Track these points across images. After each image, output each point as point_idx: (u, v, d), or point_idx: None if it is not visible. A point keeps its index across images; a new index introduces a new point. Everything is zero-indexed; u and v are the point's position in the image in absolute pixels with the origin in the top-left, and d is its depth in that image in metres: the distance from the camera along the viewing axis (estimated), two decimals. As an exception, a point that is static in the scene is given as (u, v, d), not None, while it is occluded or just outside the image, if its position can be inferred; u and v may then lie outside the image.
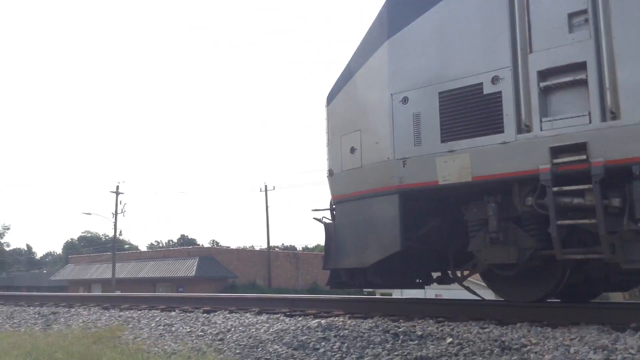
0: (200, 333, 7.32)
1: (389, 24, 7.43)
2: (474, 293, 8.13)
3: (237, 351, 6.22)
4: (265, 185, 52.74)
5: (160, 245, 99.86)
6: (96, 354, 6.35)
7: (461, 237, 7.11)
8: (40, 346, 6.87)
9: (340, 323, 6.70)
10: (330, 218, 8.22)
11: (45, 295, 14.46)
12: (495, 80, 6.42)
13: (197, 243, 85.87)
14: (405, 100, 7.14)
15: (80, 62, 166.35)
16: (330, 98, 8.34)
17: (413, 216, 7.23)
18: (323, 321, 6.85)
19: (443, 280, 8.18)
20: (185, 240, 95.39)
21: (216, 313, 8.44)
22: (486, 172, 6.39)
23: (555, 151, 5.90)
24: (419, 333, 5.93)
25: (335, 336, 6.16)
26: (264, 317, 7.72)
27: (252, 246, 67.06)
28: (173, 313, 8.95)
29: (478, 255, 6.80)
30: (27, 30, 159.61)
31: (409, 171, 6.97)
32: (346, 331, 6.25)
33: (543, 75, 6.13)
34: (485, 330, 5.88)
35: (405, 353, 5.37)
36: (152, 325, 8.24)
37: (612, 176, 5.63)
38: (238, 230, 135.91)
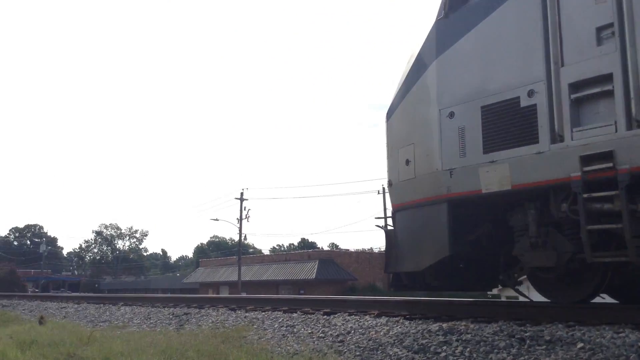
0: (320, 335, 7.43)
1: (437, 44, 8.00)
2: (524, 295, 8.31)
3: (357, 353, 6.24)
4: (383, 187, 52.67)
5: (282, 248, 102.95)
6: (224, 353, 6.64)
7: (509, 242, 7.45)
8: (173, 345, 7.29)
9: (463, 327, 6.50)
10: (392, 225, 8.77)
11: (178, 297, 15.40)
12: (530, 93, 6.76)
13: (317, 246, 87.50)
14: (451, 115, 7.62)
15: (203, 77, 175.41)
16: (389, 114, 8.95)
17: (464, 223, 7.58)
18: (444, 325, 6.69)
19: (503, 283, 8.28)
20: (305, 244, 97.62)
21: (336, 315, 8.52)
22: (524, 180, 6.76)
23: (585, 159, 6.17)
24: (547, 338, 5.62)
25: (457, 340, 5.99)
26: (383, 319, 7.68)
27: (371, 248, 67.20)
28: (295, 315, 9.16)
29: (521, 259, 7.18)
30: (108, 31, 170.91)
31: (456, 181, 7.45)
32: (469, 335, 6.06)
33: (574, 87, 6.41)
34: (620, 335, 5.44)
35: (532, 359, 5.12)
36: (275, 326, 8.49)
37: (638, 182, 5.84)
38: (357, 232, 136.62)
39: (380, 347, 6.29)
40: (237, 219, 51.35)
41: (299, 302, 10.67)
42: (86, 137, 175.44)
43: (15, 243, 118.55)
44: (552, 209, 6.74)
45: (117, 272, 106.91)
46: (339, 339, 7.02)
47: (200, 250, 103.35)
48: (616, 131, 6.00)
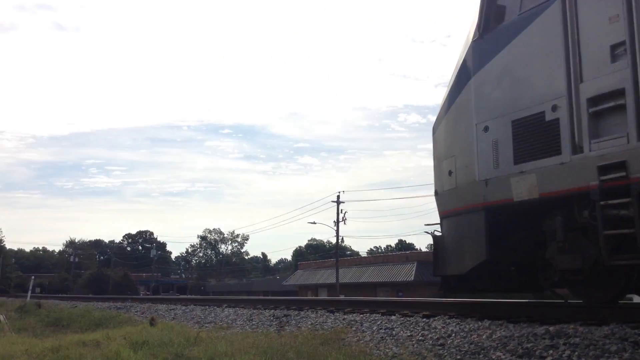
0: (420, 337, 7.32)
1: (473, 63, 8.71)
2: (559, 296, 8.87)
3: (458, 357, 6.10)
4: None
5: (379, 250, 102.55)
6: (323, 354, 6.70)
7: (542, 246, 7.92)
8: (274, 346, 7.45)
9: (571, 330, 6.17)
10: (440, 231, 9.42)
11: (278, 299, 15.74)
12: (554, 108, 7.24)
13: (415, 248, 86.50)
14: (486, 129, 8.22)
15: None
16: (435, 129, 9.73)
17: (500, 229, 8.09)
18: (551, 328, 6.37)
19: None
20: (403, 245, 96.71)
21: (436, 318, 8.37)
22: (549, 189, 7.26)
23: (602, 169, 6.61)
24: (666, 343, 5.22)
25: (564, 344, 5.69)
26: (485, 322, 7.44)
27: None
28: (393, 317, 9.09)
29: (552, 262, 7.60)
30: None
31: (491, 190, 8.06)
32: (577, 339, 5.74)
33: (592, 102, 6.84)
34: None
35: (649, 365, 4.77)
36: (373, 328, 8.47)
37: None
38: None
39: (482, 351, 6.10)
40: (334, 221, 51.78)
41: (398, 305, 10.58)
42: (185, 149, 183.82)
43: (129, 249, 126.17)
44: (576, 215, 7.27)
45: (220, 275, 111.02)
46: (439, 342, 6.89)
47: (298, 253, 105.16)
48: (628, 142, 6.40)
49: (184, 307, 16.31)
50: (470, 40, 8.99)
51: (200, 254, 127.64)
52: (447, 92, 9.45)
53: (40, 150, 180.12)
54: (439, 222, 9.48)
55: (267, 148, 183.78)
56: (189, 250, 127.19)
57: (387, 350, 6.83)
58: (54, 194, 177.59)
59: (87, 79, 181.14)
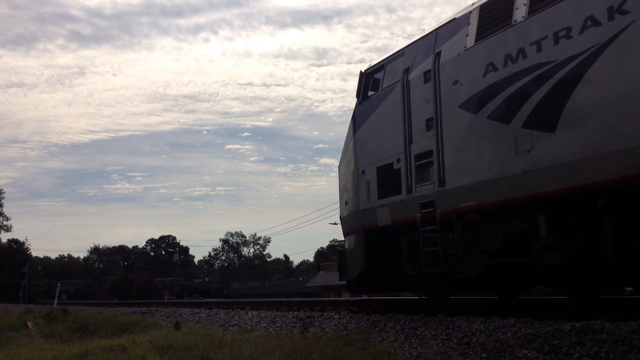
0: (444, 337, 7.27)
1: (356, 122, 11.71)
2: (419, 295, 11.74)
3: (484, 355, 6.05)
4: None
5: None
6: (347, 355, 6.69)
7: (400, 258, 10.58)
8: (298, 348, 7.47)
9: (598, 326, 6.08)
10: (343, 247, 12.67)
11: (301, 301, 15.75)
12: (398, 160, 10.21)
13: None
14: (363, 172, 11.20)
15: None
16: (338, 167, 12.78)
17: (373, 246, 10.93)
18: (577, 324, 6.28)
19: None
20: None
21: (460, 317, 8.31)
22: (396, 218, 10.19)
23: (422, 205, 9.50)
24: (697, 337, 5.12)
25: (591, 340, 5.61)
26: (510, 320, 7.35)
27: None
28: (417, 316, 9.05)
29: (404, 270, 10.40)
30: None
31: (367, 217, 10.96)
32: (604, 335, 5.65)
33: (417, 158, 9.79)
34: None
35: (680, 361, 4.68)
36: (397, 328, 8.44)
37: (447, 220, 9.07)
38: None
39: (508, 349, 6.04)
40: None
41: (421, 304, 10.53)
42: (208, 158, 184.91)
43: (152, 254, 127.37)
44: (414, 237, 9.97)
45: (243, 277, 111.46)
46: (463, 341, 6.84)
47: (320, 255, 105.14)
48: (434, 187, 9.33)
49: (207, 311, 16.41)
50: (355, 104, 11.99)
51: (223, 258, 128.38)
52: (345, 140, 12.43)
53: (63, 158, 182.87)
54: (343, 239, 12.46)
55: (286, 150, 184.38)
56: (212, 254, 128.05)
57: (412, 350, 6.80)
58: (77, 201, 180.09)
59: (109, 84, 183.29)
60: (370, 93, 11.55)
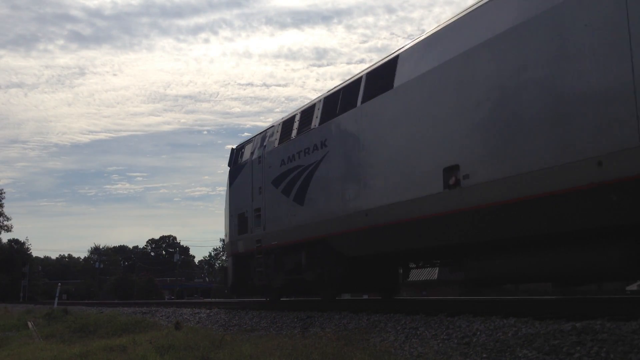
0: (444, 337, 7.26)
1: (229, 182, 17.72)
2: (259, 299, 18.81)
3: (484, 355, 6.04)
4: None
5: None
6: (347, 355, 6.69)
7: (252, 275, 16.29)
8: (298, 348, 7.47)
9: (598, 326, 6.07)
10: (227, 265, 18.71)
11: (301, 301, 15.73)
12: (247, 211, 16.01)
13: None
14: (232, 215, 17.12)
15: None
16: (224, 209, 18.27)
17: (238, 266, 16.75)
18: (577, 324, 6.27)
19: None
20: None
21: (460, 316, 8.30)
22: (246, 248, 16.05)
23: (256, 242, 15.30)
24: (697, 337, 5.11)
25: (592, 340, 5.60)
26: (511, 320, 7.34)
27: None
28: (417, 316, 9.04)
29: (254, 282, 16.03)
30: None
31: (234, 246, 16.74)
32: (605, 335, 5.65)
33: (255, 211, 15.57)
34: None
35: (680, 360, 4.68)
36: (397, 328, 8.43)
37: (267, 251, 14.95)
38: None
39: (508, 349, 6.04)
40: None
41: (421, 303, 10.52)
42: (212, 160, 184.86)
43: (152, 254, 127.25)
44: (254, 261, 15.74)
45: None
46: (464, 341, 6.84)
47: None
48: (261, 231, 15.04)
49: (208, 311, 16.41)
50: (228, 167, 18.07)
51: (223, 258, 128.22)
52: (225, 192, 18.11)
53: (63, 158, 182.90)
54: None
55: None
56: (212, 254, 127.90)
57: (412, 350, 6.80)
58: (78, 201, 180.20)
59: (109, 84, 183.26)
60: (238, 162, 17.46)
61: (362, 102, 11.66)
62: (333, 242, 12.30)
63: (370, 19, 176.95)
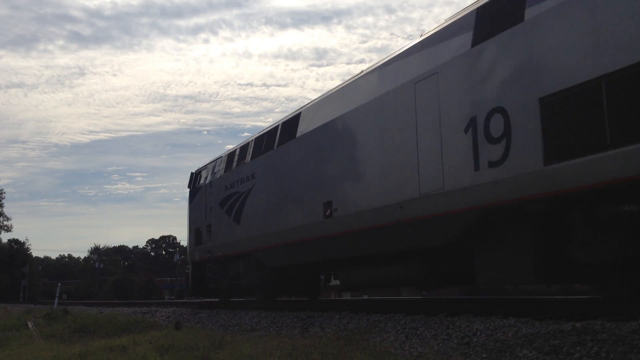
0: (444, 337, 7.26)
1: (189, 201, 20.95)
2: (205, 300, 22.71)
3: (484, 355, 6.04)
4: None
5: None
6: (347, 355, 6.69)
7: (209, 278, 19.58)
8: (298, 347, 7.47)
9: (598, 326, 6.07)
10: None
11: (301, 301, 15.71)
12: (201, 227, 19.33)
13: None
14: (191, 228, 20.53)
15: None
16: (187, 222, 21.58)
17: (197, 272, 19.87)
18: (578, 324, 6.27)
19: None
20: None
21: (460, 316, 8.30)
22: (200, 258, 19.42)
23: (208, 252, 18.71)
24: (698, 337, 5.11)
25: (592, 340, 5.60)
26: (511, 320, 7.33)
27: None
28: (417, 316, 9.03)
29: (210, 284, 19.28)
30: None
31: (193, 256, 20.11)
32: (605, 335, 5.65)
33: (206, 227, 19.01)
34: None
35: (680, 360, 4.67)
36: (397, 328, 8.42)
37: (216, 261, 18.49)
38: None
39: (508, 349, 6.04)
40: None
41: (421, 304, 10.53)
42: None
43: (152, 254, 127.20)
44: (207, 267, 18.97)
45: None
46: (464, 341, 6.83)
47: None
48: (211, 243, 18.47)
49: (208, 311, 16.41)
50: (188, 189, 21.34)
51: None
52: (187, 206, 21.33)
53: (63, 158, 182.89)
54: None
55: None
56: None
57: (412, 350, 6.80)
58: (78, 201, 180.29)
59: (109, 84, 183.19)
60: (196, 185, 20.62)
61: (278, 145, 14.81)
62: (258, 255, 15.52)
63: (370, 19, 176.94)
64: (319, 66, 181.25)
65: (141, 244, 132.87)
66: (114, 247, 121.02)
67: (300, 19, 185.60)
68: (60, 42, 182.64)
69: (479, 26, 8.82)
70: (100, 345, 11.04)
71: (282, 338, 8.96)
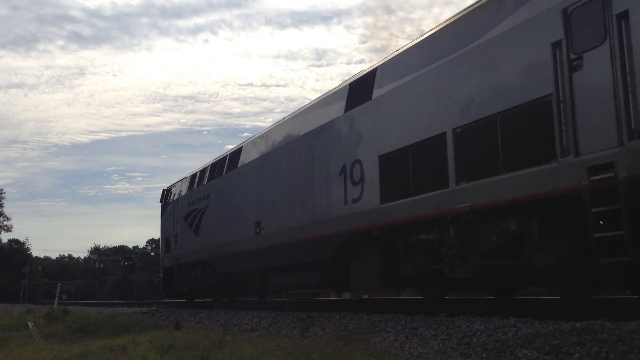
0: (444, 337, 7.26)
1: (161, 212, 24.60)
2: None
3: (484, 355, 6.04)
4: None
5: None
6: (347, 355, 6.69)
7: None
8: (298, 347, 7.46)
9: (598, 326, 6.07)
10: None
11: (301, 301, 15.70)
12: (170, 237, 23.09)
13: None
14: (162, 239, 24.24)
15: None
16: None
17: (171, 276, 23.15)
18: (578, 324, 6.27)
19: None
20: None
21: (460, 317, 8.30)
22: (169, 264, 23.04)
23: (176, 259, 22.44)
24: (698, 337, 5.11)
25: (592, 340, 5.60)
26: (511, 320, 7.34)
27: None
28: (417, 316, 9.03)
29: (177, 287, 23.44)
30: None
31: (164, 262, 23.60)
32: (604, 335, 5.65)
33: (174, 237, 22.64)
34: None
35: (680, 360, 4.67)
36: (397, 328, 8.42)
37: (182, 266, 22.23)
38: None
39: (508, 349, 6.04)
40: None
41: (421, 304, 10.52)
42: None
43: (152, 254, 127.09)
44: (174, 272, 23.16)
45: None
46: (464, 341, 6.83)
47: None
48: (178, 252, 22.05)
49: (208, 311, 16.40)
50: (160, 203, 24.63)
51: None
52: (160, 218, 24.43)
53: (63, 158, 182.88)
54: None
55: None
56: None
57: (412, 350, 6.80)
58: (78, 201, 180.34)
59: (110, 85, 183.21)
60: (167, 200, 23.78)
61: (226, 172, 18.07)
62: (212, 262, 18.77)
63: (369, 20, 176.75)
64: (319, 66, 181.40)
65: (141, 244, 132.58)
66: (114, 247, 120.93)
67: (300, 19, 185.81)
68: (60, 42, 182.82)
69: (350, 97, 11.92)
70: (100, 345, 11.03)
71: (282, 338, 8.96)
